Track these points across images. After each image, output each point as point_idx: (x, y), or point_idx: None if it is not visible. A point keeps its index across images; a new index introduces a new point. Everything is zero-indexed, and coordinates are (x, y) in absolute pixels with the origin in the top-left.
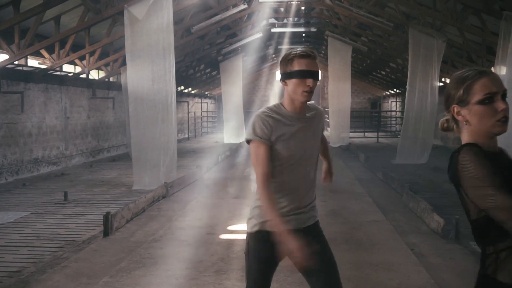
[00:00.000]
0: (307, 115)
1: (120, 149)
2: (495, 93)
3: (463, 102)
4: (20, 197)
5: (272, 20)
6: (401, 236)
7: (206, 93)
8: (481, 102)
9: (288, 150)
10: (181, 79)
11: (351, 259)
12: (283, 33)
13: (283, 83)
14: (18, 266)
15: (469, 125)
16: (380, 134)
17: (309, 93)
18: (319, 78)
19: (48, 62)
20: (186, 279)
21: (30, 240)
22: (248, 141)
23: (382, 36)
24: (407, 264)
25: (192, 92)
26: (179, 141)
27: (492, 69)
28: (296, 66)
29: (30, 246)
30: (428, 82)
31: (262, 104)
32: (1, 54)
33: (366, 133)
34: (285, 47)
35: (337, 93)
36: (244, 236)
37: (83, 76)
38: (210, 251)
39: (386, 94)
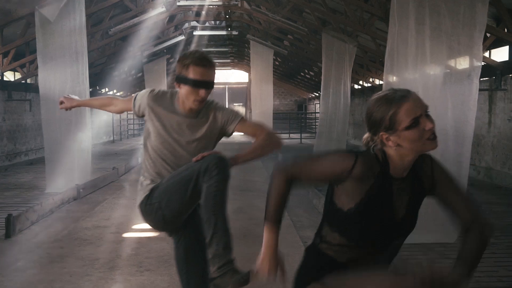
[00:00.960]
0: (198, 117)
1: (40, 152)
2: (420, 115)
3: (391, 130)
4: None
5: (194, 23)
6: (297, 230)
7: (133, 95)
8: (408, 128)
9: (156, 130)
10: (104, 81)
11: (246, 252)
12: (207, 35)
13: (177, 85)
14: None
15: (401, 147)
16: (304, 135)
17: (201, 102)
18: (213, 87)
19: None
20: (80, 275)
21: None
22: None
23: (302, 41)
24: (294, 255)
25: (118, 94)
26: (104, 143)
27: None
28: (191, 74)
29: None
30: (341, 84)
31: None
32: None
33: (291, 135)
34: (209, 49)
35: (260, 95)
36: (145, 235)
37: None
38: (109, 249)
39: (312, 96)
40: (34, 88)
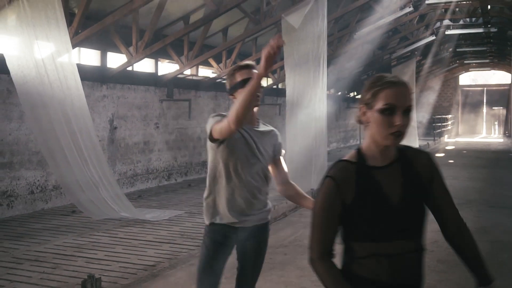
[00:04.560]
0: (258, 128)
1: None
2: (395, 106)
3: (368, 105)
4: (182, 196)
5: (447, 22)
6: None
7: None
8: (381, 112)
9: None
10: (352, 84)
11: None
12: (461, 35)
13: (232, 96)
14: (155, 261)
15: (370, 127)
16: None
17: (257, 97)
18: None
19: (216, 71)
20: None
21: (174, 237)
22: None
23: None
24: None
25: None
26: (349, 147)
27: None
28: (239, 77)
29: (172, 243)
30: None
31: (443, 111)
32: (171, 65)
33: None
34: (464, 49)
35: None
36: None
37: None
38: None
39: None
40: (283, 93)
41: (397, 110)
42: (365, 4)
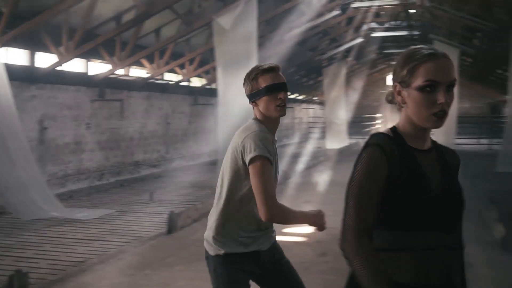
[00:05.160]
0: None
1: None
2: (438, 82)
3: (405, 83)
4: (113, 196)
5: (374, 24)
6: None
7: (314, 98)
8: (420, 89)
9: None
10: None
11: None
12: (387, 37)
13: (253, 104)
14: (84, 257)
15: (407, 107)
16: (498, 140)
17: (284, 106)
18: (287, 89)
19: (149, 71)
20: None
21: (104, 235)
22: (253, 159)
23: (493, 38)
24: None
25: (299, 98)
26: (282, 146)
27: None
28: (263, 83)
29: (102, 240)
30: None
31: (372, 110)
32: (103, 65)
33: (480, 140)
34: (391, 51)
35: None
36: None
37: (185, 84)
38: None
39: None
40: (216, 93)
41: (440, 87)
42: (295, 6)
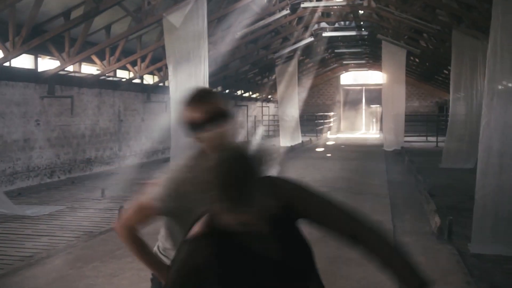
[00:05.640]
0: None
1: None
2: None
3: None
4: (64, 193)
5: (324, 24)
6: (397, 235)
7: (269, 97)
8: None
9: None
10: (238, 83)
11: (329, 254)
12: (339, 36)
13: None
14: (33, 252)
15: None
16: (443, 138)
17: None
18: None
19: (100, 68)
20: None
21: (53, 230)
22: None
23: (437, 39)
24: None
25: (254, 96)
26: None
27: None
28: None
29: (51, 236)
30: (474, 84)
31: (325, 108)
32: (54, 61)
33: (428, 138)
34: (342, 50)
35: (392, 97)
36: None
37: (137, 81)
38: None
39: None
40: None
41: None
42: (245, 5)
